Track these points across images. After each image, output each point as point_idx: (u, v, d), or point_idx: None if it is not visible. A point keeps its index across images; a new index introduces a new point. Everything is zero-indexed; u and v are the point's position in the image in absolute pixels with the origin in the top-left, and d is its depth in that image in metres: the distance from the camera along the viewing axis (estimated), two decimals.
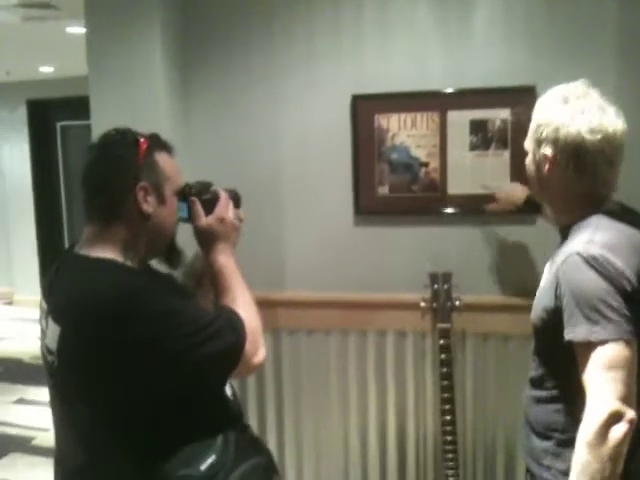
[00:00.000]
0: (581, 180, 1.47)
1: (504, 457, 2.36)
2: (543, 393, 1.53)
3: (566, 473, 1.39)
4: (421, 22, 2.27)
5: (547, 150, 1.47)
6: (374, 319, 2.40)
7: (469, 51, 2.24)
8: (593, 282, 1.35)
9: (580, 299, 1.36)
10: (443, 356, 2.14)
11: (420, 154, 2.31)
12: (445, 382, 2.13)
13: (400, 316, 2.35)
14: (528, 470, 1.61)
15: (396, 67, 2.30)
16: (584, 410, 1.37)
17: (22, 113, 7.27)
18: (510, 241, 2.28)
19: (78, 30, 4.51)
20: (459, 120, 2.27)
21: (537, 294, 1.58)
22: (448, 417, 2.13)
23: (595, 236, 1.41)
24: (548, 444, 1.51)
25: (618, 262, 1.36)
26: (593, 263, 1.35)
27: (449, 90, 2.27)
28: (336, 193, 2.40)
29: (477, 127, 2.26)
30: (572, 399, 1.45)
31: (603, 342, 1.32)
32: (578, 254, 1.38)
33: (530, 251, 2.22)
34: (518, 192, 2.15)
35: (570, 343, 1.38)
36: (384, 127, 2.32)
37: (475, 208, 2.27)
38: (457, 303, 2.19)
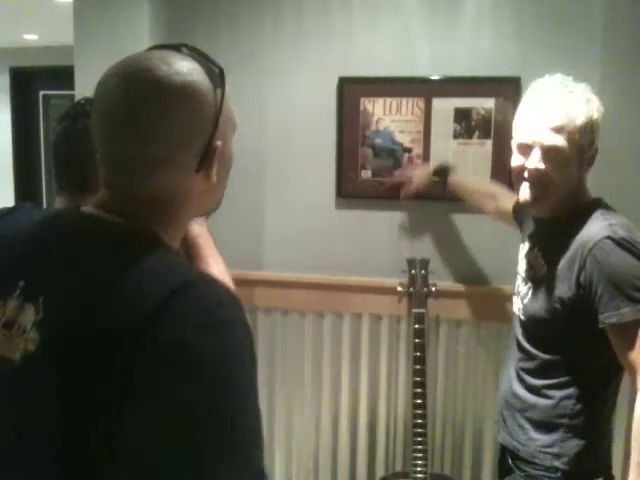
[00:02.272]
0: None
1: (472, 441, 2.40)
2: (549, 381, 1.53)
3: (578, 455, 1.47)
4: (411, 8, 2.26)
5: (597, 143, 1.50)
6: (350, 302, 2.41)
7: (457, 40, 2.25)
8: (631, 263, 1.37)
9: (621, 282, 1.37)
10: (417, 340, 2.16)
11: (404, 140, 2.32)
12: (418, 366, 2.15)
13: (376, 300, 2.37)
14: (514, 462, 1.62)
15: (384, 52, 2.30)
16: (601, 393, 1.46)
17: (4, 80, 7.16)
18: (488, 230, 2.29)
19: None
20: (444, 107, 2.28)
21: (533, 286, 1.56)
22: (419, 401, 2.16)
23: (611, 221, 1.43)
24: (554, 433, 1.51)
25: None
26: (626, 245, 1.38)
27: (435, 77, 2.27)
28: (319, 175, 2.40)
29: (461, 115, 2.27)
30: (587, 383, 1.49)
31: None
32: (609, 238, 1.39)
33: (507, 241, 2.24)
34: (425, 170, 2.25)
35: (602, 327, 1.39)
36: (369, 111, 2.32)
37: (456, 196, 2.29)
38: (433, 289, 2.21)
